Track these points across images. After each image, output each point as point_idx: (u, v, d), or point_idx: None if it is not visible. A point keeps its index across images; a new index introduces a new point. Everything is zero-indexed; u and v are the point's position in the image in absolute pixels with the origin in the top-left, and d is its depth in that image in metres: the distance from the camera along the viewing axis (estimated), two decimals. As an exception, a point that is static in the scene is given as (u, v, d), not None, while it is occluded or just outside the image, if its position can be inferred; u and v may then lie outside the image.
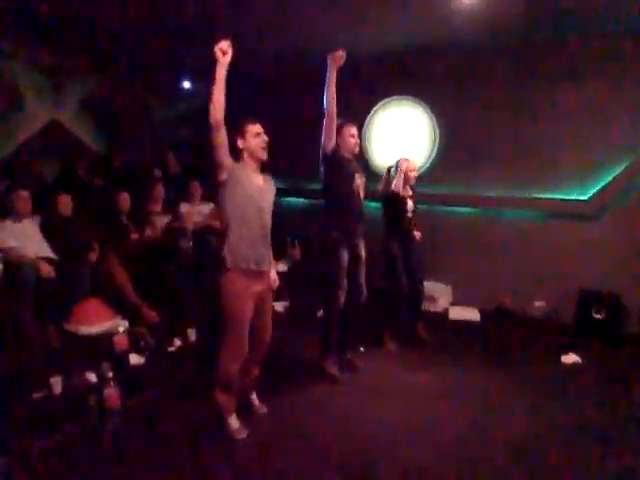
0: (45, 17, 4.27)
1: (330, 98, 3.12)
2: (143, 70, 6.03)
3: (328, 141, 3.22)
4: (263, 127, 2.59)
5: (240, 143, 2.55)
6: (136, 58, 5.59)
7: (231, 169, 2.46)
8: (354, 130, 3.40)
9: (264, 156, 2.58)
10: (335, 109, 3.14)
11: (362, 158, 3.55)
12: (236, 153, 2.55)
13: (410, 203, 4.12)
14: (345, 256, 3.32)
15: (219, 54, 2.31)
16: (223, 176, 2.45)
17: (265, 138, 2.57)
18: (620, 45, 4.36)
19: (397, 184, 4.02)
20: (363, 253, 3.47)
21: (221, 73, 2.33)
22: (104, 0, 3.91)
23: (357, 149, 3.44)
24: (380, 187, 4.20)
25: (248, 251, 2.49)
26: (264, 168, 2.67)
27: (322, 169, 3.34)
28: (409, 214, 4.10)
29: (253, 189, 2.52)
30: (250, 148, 2.55)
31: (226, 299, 2.50)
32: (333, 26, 4.41)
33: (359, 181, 3.39)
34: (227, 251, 2.49)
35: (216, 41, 2.31)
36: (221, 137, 2.37)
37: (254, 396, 2.94)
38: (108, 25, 4.52)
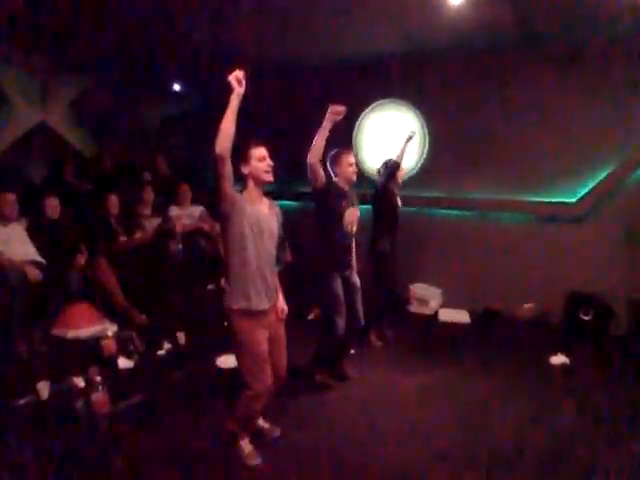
0: (35, 21, 4.23)
1: (319, 146, 3.00)
2: (133, 72, 5.99)
3: (316, 181, 3.12)
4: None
5: (244, 169, 2.40)
6: (126, 60, 5.56)
7: (234, 200, 2.30)
8: (352, 158, 3.31)
9: (270, 179, 2.41)
10: (321, 155, 3.03)
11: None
12: (240, 179, 2.40)
13: (399, 201, 4.22)
14: (338, 286, 3.28)
15: (235, 83, 2.17)
16: (226, 207, 2.30)
17: (270, 162, 2.41)
18: (605, 51, 4.41)
19: (400, 155, 4.13)
20: (357, 280, 3.43)
21: (235, 104, 2.19)
22: (93, 4, 3.89)
23: (355, 177, 3.33)
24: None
25: (251, 287, 2.35)
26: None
27: (315, 204, 3.28)
28: (398, 211, 4.21)
29: (254, 218, 2.36)
30: (254, 173, 2.39)
31: (238, 336, 2.37)
32: (324, 30, 4.43)
33: (353, 217, 3.29)
34: (229, 289, 2.37)
35: (230, 71, 2.18)
36: (226, 169, 2.21)
37: (261, 421, 2.78)
38: (97, 28, 4.49)
